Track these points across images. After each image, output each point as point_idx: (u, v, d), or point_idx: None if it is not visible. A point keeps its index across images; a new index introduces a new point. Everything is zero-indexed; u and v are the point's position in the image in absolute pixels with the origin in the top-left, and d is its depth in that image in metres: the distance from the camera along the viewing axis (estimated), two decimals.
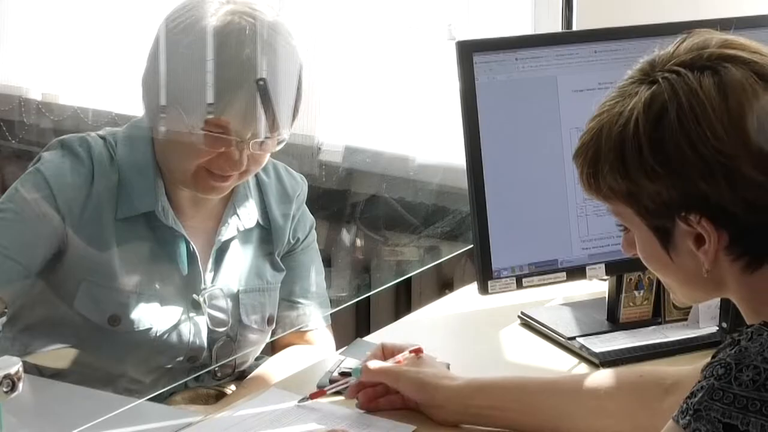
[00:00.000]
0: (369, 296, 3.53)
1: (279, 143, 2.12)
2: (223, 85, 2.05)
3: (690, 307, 2.23)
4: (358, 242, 3.57)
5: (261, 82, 2.04)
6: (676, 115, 1.42)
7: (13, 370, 1.38)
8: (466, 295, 2.44)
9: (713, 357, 1.39)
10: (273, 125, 2.07)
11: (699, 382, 1.37)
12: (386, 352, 1.97)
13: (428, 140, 3.40)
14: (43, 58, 4.03)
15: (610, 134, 1.47)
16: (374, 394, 1.92)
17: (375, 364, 1.93)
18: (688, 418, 1.35)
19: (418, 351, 1.96)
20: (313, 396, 1.94)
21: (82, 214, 2.09)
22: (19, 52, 4.08)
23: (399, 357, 1.95)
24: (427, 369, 1.92)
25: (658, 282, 2.24)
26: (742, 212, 1.42)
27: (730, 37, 1.49)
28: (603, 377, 1.86)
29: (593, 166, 1.49)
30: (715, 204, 1.42)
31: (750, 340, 1.35)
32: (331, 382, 2.02)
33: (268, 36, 2.07)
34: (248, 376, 2.27)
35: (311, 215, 2.35)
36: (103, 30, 3.82)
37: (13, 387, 1.38)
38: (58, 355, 2.12)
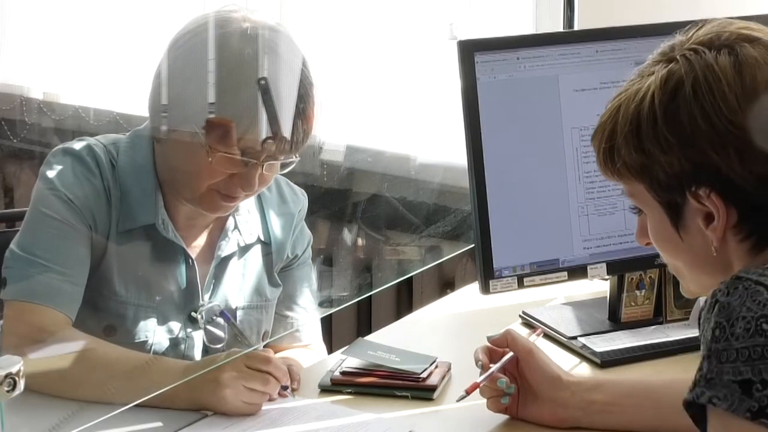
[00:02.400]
0: (370, 296, 3.53)
1: (289, 165, 2.09)
2: (241, 107, 2.02)
3: (691, 307, 2.23)
4: (360, 242, 3.57)
5: (264, 85, 2.02)
6: (691, 87, 1.45)
7: (14, 369, 1.38)
8: (468, 294, 2.44)
9: (698, 320, 1.41)
10: (291, 146, 2.05)
11: (701, 353, 1.38)
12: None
13: (429, 140, 3.40)
14: (45, 58, 4.03)
15: (627, 110, 1.50)
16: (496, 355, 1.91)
17: (520, 336, 1.93)
18: (700, 388, 1.36)
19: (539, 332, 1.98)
20: (468, 390, 1.89)
21: (96, 224, 2.08)
22: (21, 52, 4.08)
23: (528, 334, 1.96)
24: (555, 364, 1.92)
25: (660, 281, 2.24)
26: (751, 187, 1.44)
27: (750, 22, 1.53)
28: None
29: (609, 142, 1.52)
30: (725, 177, 1.44)
31: (728, 295, 1.37)
32: (333, 382, 2.02)
33: (289, 56, 2.06)
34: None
35: (309, 231, 2.33)
36: (104, 29, 3.82)
37: (14, 386, 1.38)
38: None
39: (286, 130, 2.04)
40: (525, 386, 1.90)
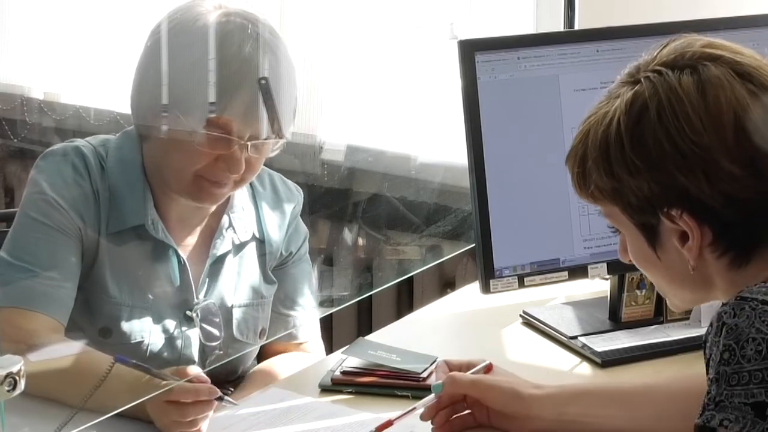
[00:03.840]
0: (371, 295, 3.53)
1: (275, 149, 2.09)
2: (224, 83, 2.02)
3: (692, 307, 2.23)
4: (360, 241, 3.57)
5: (263, 81, 2.02)
6: (656, 111, 1.46)
7: (15, 369, 1.38)
8: (468, 294, 2.44)
9: (704, 343, 1.41)
10: (274, 126, 2.05)
11: (708, 376, 1.38)
12: (452, 367, 1.89)
13: (430, 139, 3.40)
14: (45, 57, 4.03)
15: (596, 135, 1.51)
16: (449, 413, 1.83)
17: (460, 376, 1.83)
18: (710, 412, 1.35)
19: (489, 368, 1.88)
20: (379, 429, 1.79)
21: (86, 227, 2.08)
22: (21, 52, 4.08)
23: (473, 371, 1.87)
24: (513, 379, 1.86)
25: None
26: (721, 206, 1.45)
27: (713, 39, 1.53)
28: (695, 379, 1.85)
29: (581, 166, 1.54)
30: (695, 198, 1.45)
31: (735, 316, 1.37)
32: (333, 381, 2.02)
33: (268, 36, 2.06)
34: (249, 372, 2.26)
35: (305, 228, 2.31)
36: (105, 29, 3.82)
37: (15, 386, 1.38)
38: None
39: (273, 108, 2.03)
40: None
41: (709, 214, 1.45)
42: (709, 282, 1.51)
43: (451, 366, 1.89)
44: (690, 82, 1.46)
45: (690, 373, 1.88)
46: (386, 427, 1.79)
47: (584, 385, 1.91)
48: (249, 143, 2.02)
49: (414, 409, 1.81)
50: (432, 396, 1.82)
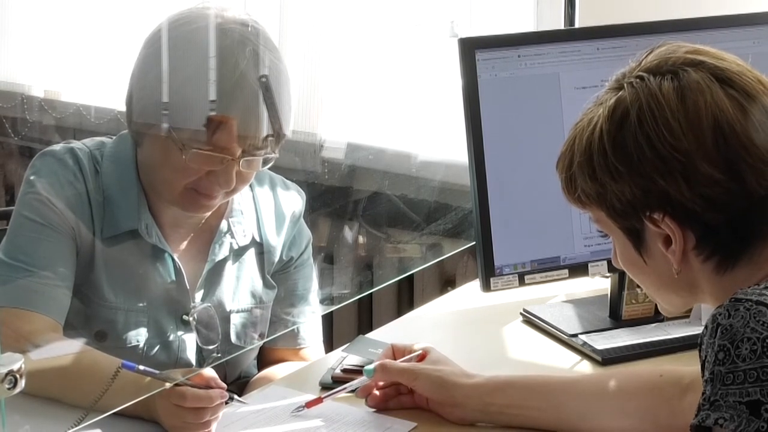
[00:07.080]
0: (371, 293, 3.53)
1: (267, 161, 2.07)
2: (219, 101, 2.00)
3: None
4: (361, 239, 3.57)
5: (263, 79, 2.01)
6: (636, 116, 1.48)
7: (15, 367, 1.38)
8: (469, 292, 2.44)
9: (699, 345, 1.41)
10: (268, 142, 2.03)
11: (704, 377, 1.39)
12: (397, 352, 1.98)
13: (431, 137, 3.40)
14: (46, 56, 4.04)
15: (581, 140, 1.54)
16: (384, 396, 1.93)
17: (390, 363, 1.93)
18: (705, 412, 1.36)
19: (423, 356, 1.96)
20: (309, 405, 1.91)
21: (80, 227, 2.07)
22: (22, 50, 4.09)
23: (406, 358, 1.95)
24: (444, 367, 1.92)
25: None
26: (702, 210, 1.46)
27: (698, 46, 1.55)
28: (624, 377, 1.87)
29: (568, 171, 1.56)
30: (676, 202, 1.46)
31: (730, 317, 1.37)
32: (333, 379, 2.02)
33: (266, 52, 2.04)
34: (250, 381, 2.26)
35: (308, 231, 2.30)
36: (105, 27, 3.82)
37: (15, 384, 1.38)
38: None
39: (263, 126, 2.02)
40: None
41: (690, 217, 1.47)
42: (695, 286, 1.53)
43: (395, 350, 1.98)
44: (670, 88, 1.48)
45: (622, 371, 1.91)
46: (317, 404, 1.91)
47: (511, 376, 1.93)
48: (240, 159, 2.02)
49: (345, 388, 1.92)
50: (364, 378, 1.92)
